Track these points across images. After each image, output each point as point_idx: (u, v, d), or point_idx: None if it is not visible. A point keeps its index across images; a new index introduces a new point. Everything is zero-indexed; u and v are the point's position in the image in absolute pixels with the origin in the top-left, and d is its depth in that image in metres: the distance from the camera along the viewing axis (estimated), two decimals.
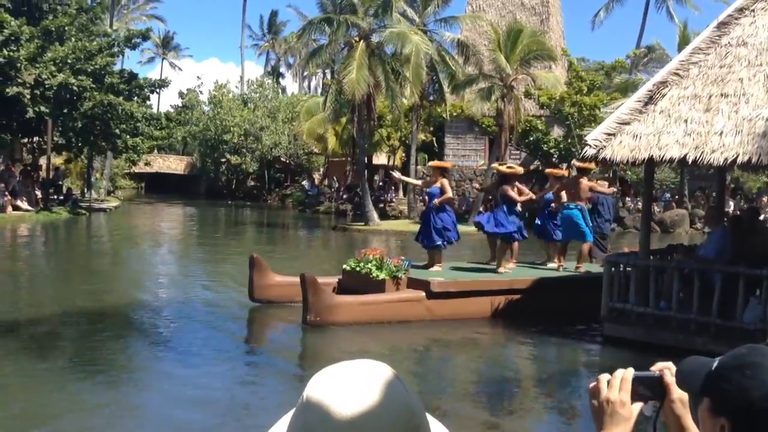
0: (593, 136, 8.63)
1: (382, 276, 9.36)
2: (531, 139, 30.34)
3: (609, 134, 8.50)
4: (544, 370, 8.10)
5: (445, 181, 10.71)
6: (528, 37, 28.59)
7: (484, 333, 9.37)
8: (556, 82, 29.39)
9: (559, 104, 29.08)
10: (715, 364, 1.18)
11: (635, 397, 1.28)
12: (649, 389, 1.29)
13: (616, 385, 1.27)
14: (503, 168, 11.37)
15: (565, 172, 12.60)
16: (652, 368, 1.31)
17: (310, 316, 8.74)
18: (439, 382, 7.35)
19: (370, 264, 9.56)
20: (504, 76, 27.89)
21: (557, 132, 31.22)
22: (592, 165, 12.10)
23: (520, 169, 11.70)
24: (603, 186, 12.72)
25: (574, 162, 14.17)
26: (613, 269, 8.88)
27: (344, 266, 9.99)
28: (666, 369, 1.30)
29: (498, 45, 28.09)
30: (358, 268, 9.67)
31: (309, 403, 0.86)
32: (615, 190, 13.09)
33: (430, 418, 0.93)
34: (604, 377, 1.29)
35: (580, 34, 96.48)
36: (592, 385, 1.30)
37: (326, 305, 8.83)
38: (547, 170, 12.65)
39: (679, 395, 1.28)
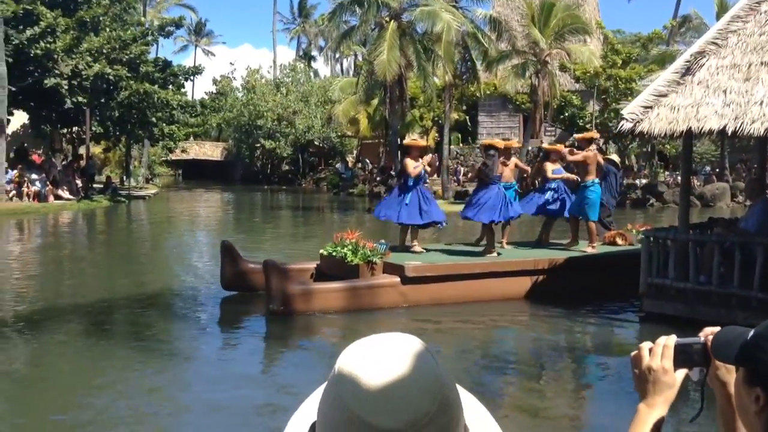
0: (630, 109, 8.47)
1: (356, 261, 8.86)
2: (566, 114, 29.96)
3: (646, 107, 8.33)
4: (584, 348, 8.05)
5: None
6: (562, 11, 28.18)
7: (491, 316, 8.98)
8: (592, 56, 28.92)
9: (594, 78, 28.62)
10: (751, 334, 1.17)
11: (679, 363, 1.26)
12: (693, 355, 1.27)
13: (659, 352, 1.25)
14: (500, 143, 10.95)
15: (596, 134, 12.04)
16: (700, 334, 1.29)
17: (273, 304, 8.24)
18: (474, 358, 7.31)
19: (345, 248, 9.05)
20: (538, 51, 27.55)
21: (593, 107, 30.76)
22: (594, 133, 11.77)
23: (501, 144, 10.92)
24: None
25: (576, 136, 13.63)
26: (651, 244, 8.75)
27: (321, 251, 9.54)
28: (711, 335, 1.28)
29: (531, 20, 27.74)
30: (334, 253, 9.16)
31: (340, 375, 0.88)
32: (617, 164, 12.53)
33: (461, 390, 0.94)
34: (646, 345, 1.27)
35: (616, 6, 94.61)
36: (633, 353, 1.29)
37: (291, 293, 8.31)
38: (577, 135, 12.07)
39: None
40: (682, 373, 1.26)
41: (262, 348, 7.88)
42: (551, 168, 10.94)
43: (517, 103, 31.97)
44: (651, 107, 8.34)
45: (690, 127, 8.01)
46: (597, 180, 10.37)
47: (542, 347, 7.82)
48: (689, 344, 1.27)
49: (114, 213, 25.30)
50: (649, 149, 35.16)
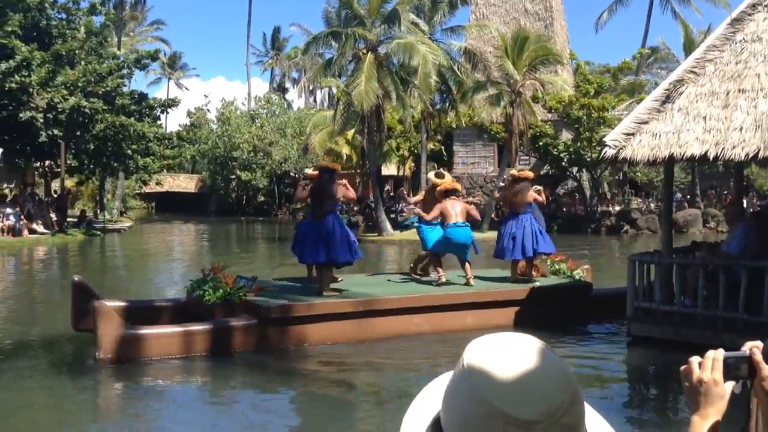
0: (612, 136, 8.66)
1: (213, 299, 8.17)
2: (540, 144, 30.39)
3: (628, 134, 8.53)
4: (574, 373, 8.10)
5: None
6: (534, 43, 28.70)
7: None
8: (564, 86, 29.46)
9: (568, 108, 29.14)
10: None
11: (727, 376, 1.31)
12: (739, 368, 1.32)
13: (708, 365, 1.29)
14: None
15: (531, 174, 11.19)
16: (743, 347, 1.35)
17: (99, 353, 7.39)
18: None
19: (206, 285, 8.35)
20: (512, 82, 27.98)
21: (566, 136, 31.26)
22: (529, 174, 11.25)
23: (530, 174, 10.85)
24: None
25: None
26: (637, 268, 8.90)
27: (185, 286, 8.83)
28: (755, 347, 1.33)
29: (505, 51, 28.21)
30: (196, 290, 8.45)
31: (472, 369, 0.90)
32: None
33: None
34: (696, 359, 1.32)
35: (585, 38, 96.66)
36: (684, 367, 1.33)
37: (121, 339, 7.47)
38: (512, 172, 11.32)
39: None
40: (730, 385, 1.31)
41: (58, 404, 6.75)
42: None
43: (493, 132, 32.36)
44: (633, 134, 8.54)
45: (672, 153, 8.21)
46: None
47: None
48: (736, 357, 1.32)
49: (89, 247, 24.96)
50: (621, 177, 35.75)
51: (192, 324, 8.03)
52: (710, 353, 1.31)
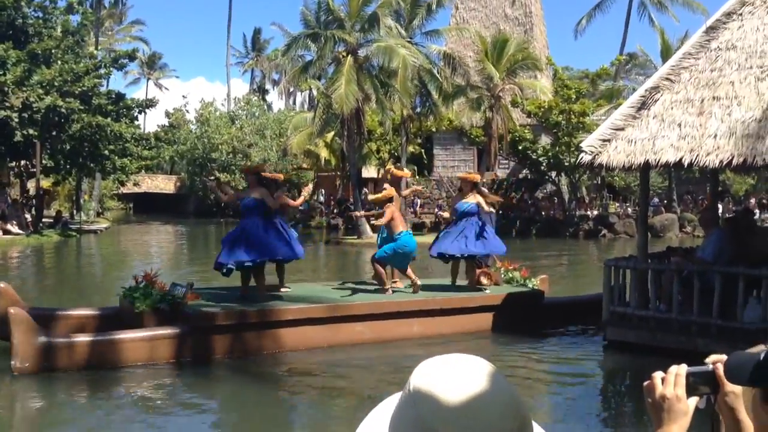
0: (588, 142, 8.71)
1: (142, 307, 7.85)
2: (520, 148, 30.54)
3: (604, 140, 8.58)
4: (549, 376, 8.12)
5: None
6: (513, 48, 28.88)
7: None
8: (544, 91, 29.64)
9: (547, 113, 29.31)
10: (764, 354, 1.21)
11: (691, 391, 1.30)
12: (702, 383, 1.31)
13: (671, 381, 1.28)
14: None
15: (478, 177, 10.93)
16: (706, 360, 1.34)
17: (15, 362, 7.07)
18: None
19: (137, 292, 8.03)
20: (491, 86, 28.12)
21: (545, 140, 31.44)
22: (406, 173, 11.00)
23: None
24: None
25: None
26: (612, 273, 8.95)
27: (117, 293, 8.56)
28: (719, 362, 1.32)
29: (485, 55, 28.34)
30: (127, 297, 8.14)
31: (418, 394, 0.87)
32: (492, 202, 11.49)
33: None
34: (658, 374, 1.30)
35: (564, 43, 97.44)
36: (647, 383, 1.32)
37: (37, 348, 7.12)
38: (461, 174, 10.98)
39: (732, 388, 1.28)
40: (693, 400, 1.29)
41: None
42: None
43: (472, 136, 32.48)
44: (609, 140, 8.60)
45: (647, 160, 8.28)
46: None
47: (514, 377, 7.86)
48: (699, 372, 1.30)
49: (64, 248, 24.65)
50: (599, 181, 36.04)
51: (115, 333, 7.68)
52: (673, 369, 1.30)
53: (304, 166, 42.67)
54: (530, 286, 10.36)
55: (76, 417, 6.37)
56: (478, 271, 10.27)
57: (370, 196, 10.29)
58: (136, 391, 7.13)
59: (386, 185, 10.29)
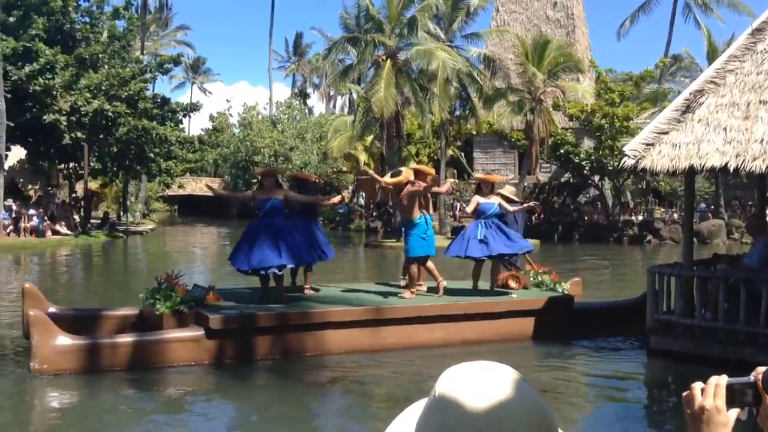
0: (631, 146, 8.57)
1: (162, 309, 7.85)
2: (561, 152, 30.19)
3: (647, 144, 8.43)
4: (591, 386, 7.98)
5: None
6: (555, 50, 28.58)
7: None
8: (585, 94, 29.26)
9: (590, 116, 28.93)
10: None
11: (731, 403, 1.27)
12: (744, 394, 1.28)
13: (711, 392, 1.25)
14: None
15: (498, 178, 10.80)
16: (752, 373, 1.30)
17: (34, 363, 7.10)
18: None
19: (158, 294, 8.01)
20: (532, 89, 27.87)
21: (588, 144, 31.03)
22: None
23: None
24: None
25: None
26: (657, 280, 8.77)
27: (141, 295, 8.52)
28: (762, 374, 1.28)
29: (526, 58, 28.11)
30: (148, 299, 8.14)
31: (443, 401, 0.88)
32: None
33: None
34: (698, 385, 1.28)
35: (606, 45, 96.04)
36: (685, 393, 1.29)
37: (56, 349, 7.15)
38: (479, 176, 10.70)
39: None
40: (734, 412, 1.26)
41: None
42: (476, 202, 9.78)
43: (513, 139, 32.23)
44: (652, 144, 8.44)
45: (692, 165, 8.11)
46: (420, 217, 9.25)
47: (547, 385, 7.75)
48: (741, 383, 1.27)
49: (111, 248, 25.20)
50: (644, 186, 35.42)
51: (133, 335, 7.72)
52: (713, 379, 1.27)
53: (344, 169, 42.92)
54: (560, 290, 10.06)
55: (92, 419, 6.36)
56: (506, 274, 10.08)
57: (387, 178, 10.03)
58: (164, 391, 7.19)
59: (403, 168, 10.12)
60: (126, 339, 7.59)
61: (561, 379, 7.85)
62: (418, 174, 9.56)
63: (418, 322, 8.76)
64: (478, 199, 9.69)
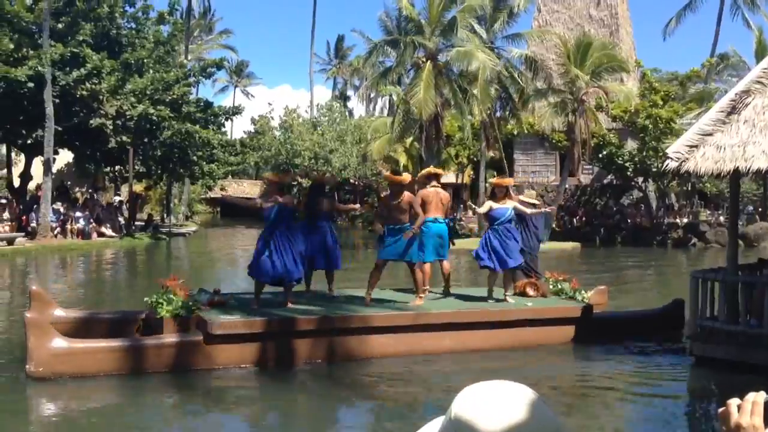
0: (674, 148, 8.38)
1: (163, 313, 7.78)
2: (604, 153, 29.74)
3: (691, 146, 8.24)
4: (632, 396, 7.83)
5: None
6: (598, 50, 28.19)
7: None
8: (629, 95, 28.79)
9: (634, 117, 28.45)
10: None
11: None
12: None
13: (748, 408, 1.21)
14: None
15: (511, 181, 10.55)
16: None
17: (30, 366, 7.07)
18: None
19: (161, 298, 7.92)
20: (575, 89, 27.53)
21: (631, 145, 30.51)
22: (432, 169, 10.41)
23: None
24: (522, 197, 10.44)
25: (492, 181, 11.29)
26: (700, 286, 8.57)
27: (146, 299, 8.43)
28: None
29: (568, 58, 27.79)
30: (152, 303, 8.03)
31: (459, 422, 0.87)
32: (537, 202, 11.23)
33: None
34: (734, 401, 1.24)
35: (652, 44, 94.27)
36: (722, 409, 1.25)
37: (52, 353, 7.07)
38: (494, 180, 10.53)
39: None
40: None
41: None
42: (488, 206, 9.65)
43: (554, 141, 31.86)
44: (696, 146, 8.25)
45: (737, 167, 7.90)
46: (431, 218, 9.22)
47: (588, 393, 7.63)
48: None
49: (155, 250, 25.66)
50: (689, 188, 34.67)
51: (129, 339, 7.70)
52: (750, 396, 1.23)
53: (384, 171, 42.98)
54: (579, 298, 9.73)
55: (88, 424, 6.28)
56: (524, 281, 9.90)
57: (385, 173, 9.99)
58: (141, 398, 7.04)
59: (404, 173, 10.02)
60: (121, 343, 7.50)
61: (600, 389, 7.71)
62: (429, 177, 9.70)
63: (423, 330, 8.54)
64: (491, 204, 9.58)
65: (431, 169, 10.46)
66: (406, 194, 9.05)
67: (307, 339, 8.12)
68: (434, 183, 9.74)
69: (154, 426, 6.42)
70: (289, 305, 8.55)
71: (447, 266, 9.95)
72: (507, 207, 9.45)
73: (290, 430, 6.52)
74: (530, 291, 9.84)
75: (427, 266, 9.39)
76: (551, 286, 10.12)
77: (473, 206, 10.71)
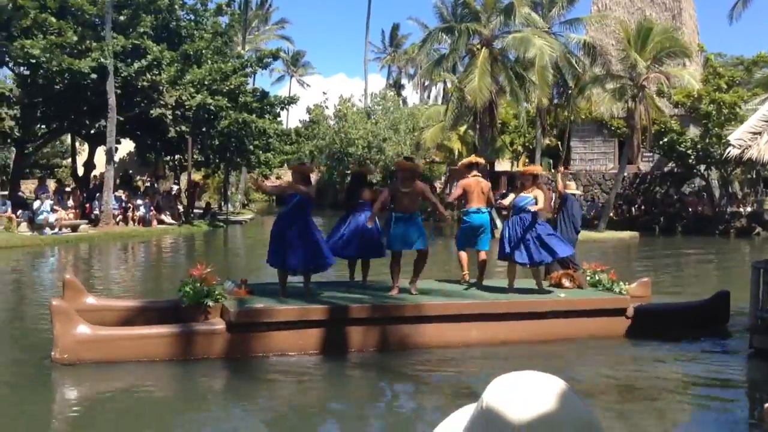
0: (737, 135, 8.12)
1: (187, 302, 7.84)
2: (665, 140, 28.95)
3: (754, 133, 7.97)
4: (690, 389, 7.65)
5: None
6: (659, 34, 27.39)
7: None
8: (692, 80, 27.93)
9: (696, 102, 27.59)
10: None
11: None
12: None
13: None
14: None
15: (539, 169, 10.24)
16: None
17: (55, 352, 7.21)
18: None
19: (187, 287, 7.91)
20: (635, 75, 26.86)
21: (693, 132, 29.63)
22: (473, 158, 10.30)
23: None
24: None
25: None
26: (762, 275, 8.30)
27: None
28: None
29: (628, 43, 27.11)
30: (180, 292, 8.03)
31: (490, 411, 0.87)
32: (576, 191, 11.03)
33: None
34: None
35: (717, 29, 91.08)
36: (766, 405, 1.23)
37: (77, 339, 7.22)
38: (520, 169, 10.39)
39: None
40: None
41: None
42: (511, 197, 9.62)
43: (613, 128, 31.16)
44: (760, 133, 7.97)
45: None
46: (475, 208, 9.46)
47: (644, 386, 7.48)
48: None
49: (212, 237, 26.20)
50: (754, 176, 33.50)
51: (153, 327, 7.72)
52: None
53: (437, 159, 42.81)
54: (617, 290, 9.49)
55: (109, 410, 6.39)
56: (560, 272, 9.74)
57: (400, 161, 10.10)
58: (180, 384, 7.14)
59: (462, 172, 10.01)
60: (144, 331, 7.60)
61: (657, 381, 7.55)
62: (470, 166, 9.76)
63: (452, 320, 8.49)
64: (512, 195, 9.64)
65: (472, 158, 10.45)
66: (419, 183, 9.02)
67: (321, 329, 8.07)
68: (475, 172, 9.69)
69: (176, 411, 6.45)
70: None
71: (484, 256, 9.83)
72: (527, 195, 9.26)
73: (317, 418, 6.52)
74: (566, 282, 9.68)
75: (463, 254, 9.70)
76: (588, 278, 9.91)
77: (501, 201, 10.57)
